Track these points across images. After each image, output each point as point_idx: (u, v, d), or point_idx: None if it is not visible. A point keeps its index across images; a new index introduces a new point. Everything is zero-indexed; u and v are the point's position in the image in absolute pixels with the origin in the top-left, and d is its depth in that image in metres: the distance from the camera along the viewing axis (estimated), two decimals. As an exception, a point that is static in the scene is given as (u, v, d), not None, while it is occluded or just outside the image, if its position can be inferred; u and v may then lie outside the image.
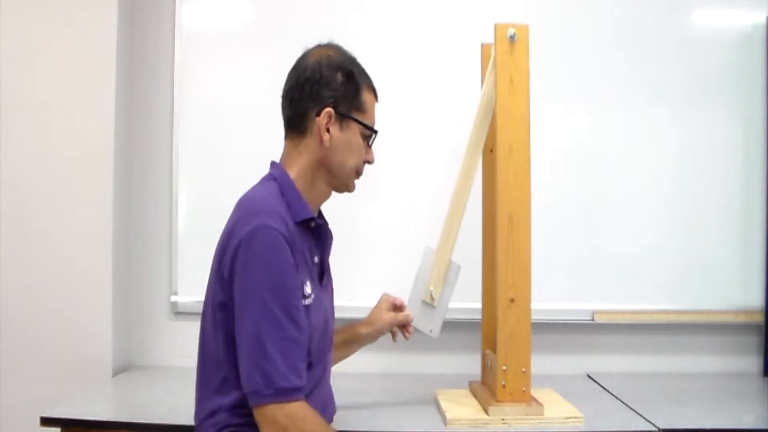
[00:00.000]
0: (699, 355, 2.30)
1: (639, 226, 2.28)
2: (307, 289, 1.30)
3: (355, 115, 1.38)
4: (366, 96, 1.41)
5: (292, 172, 1.36)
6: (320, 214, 1.47)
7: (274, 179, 1.35)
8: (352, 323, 1.73)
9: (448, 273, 1.81)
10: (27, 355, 2.14)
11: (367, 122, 1.41)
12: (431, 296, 1.80)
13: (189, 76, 2.25)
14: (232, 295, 1.23)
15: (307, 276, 1.33)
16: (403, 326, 1.75)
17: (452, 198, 1.82)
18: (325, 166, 1.38)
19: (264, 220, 1.23)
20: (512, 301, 1.71)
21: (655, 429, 1.69)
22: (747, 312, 2.27)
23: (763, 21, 2.28)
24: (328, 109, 1.34)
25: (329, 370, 1.46)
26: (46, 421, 1.71)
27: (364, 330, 1.71)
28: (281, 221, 1.25)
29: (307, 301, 1.29)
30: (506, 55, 1.72)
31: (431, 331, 1.83)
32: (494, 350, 1.76)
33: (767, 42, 2.28)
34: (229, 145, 2.23)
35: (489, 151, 1.92)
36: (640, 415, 1.79)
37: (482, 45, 1.94)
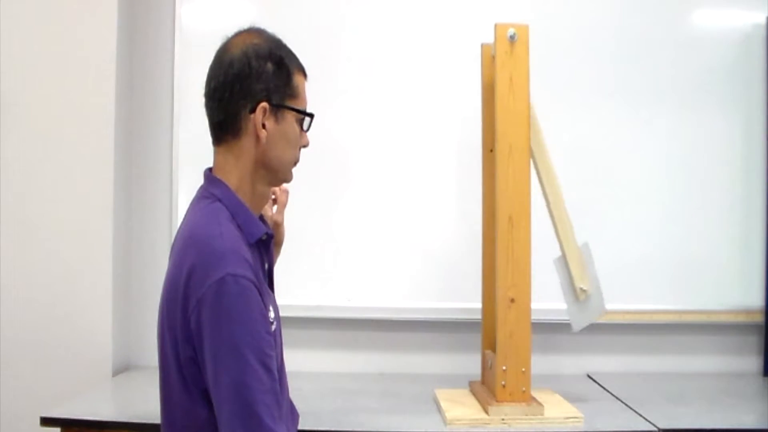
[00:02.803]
0: (699, 355, 2.30)
1: (639, 226, 2.27)
2: (271, 314, 1.22)
3: (289, 103, 1.27)
4: (297, 80, 1.29)
5: (233, 183, 1.25)
6: (262, 219, 1.36)
7: (219, 200, 1.24)
8: None
9: (583, 260, 1.86)
10: (27, 355, 2.14)
11: (301, 106, 1.31)
12: (583, 291, 1.85)
13: (189, 76, 2.25)
14: (201, 349, 1.14)
15: (268, 297, 1.25)
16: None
17: (552, 206, 1.84)
18: (263, 164, 1.26)
19: (230, 268, 1.13)
20: (512, 301, 1.71)
21: (655, 429, 1.69)
22: (747, 312, 2.27)
23: (763, 21, 2.28)
24: (263, 104, 1.23)
25: (286, 377, 1.37)
26: (46, 421, 1.72)
27: None
28: (245, 264, 1.16)
29: (274, 326, 1.22)
30: (506, 55, 1.73)
31: (601, 313, 1.91)
32: (494, 350, 1.76)
33: (767, 42, 2.28)
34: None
35: (489, 151, 1.92)
36: (640, 415, 1.79)
37: (482, 45, 1.94)
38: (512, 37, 1.72)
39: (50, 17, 2.16)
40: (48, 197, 2.16)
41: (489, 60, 1.89)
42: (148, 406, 1.80)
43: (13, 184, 2.16)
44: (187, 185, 2.26)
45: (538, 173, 1.81)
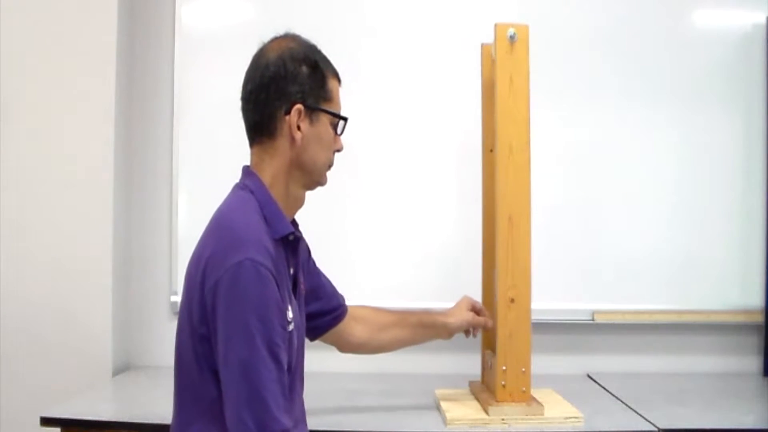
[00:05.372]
0: (699, 355, 2.30)
1: (639, 226, 2.27)
2: (290, 314, 1.24)
3: (324, 106, 1.32)
4: (331, 84, 1.33)
5: (266, 179, 1.30)
6: (295, 223, 1.39)
7: (252, 192, 1.28)
8: (428, 311, 1.78)
9: None
10: (27, 355, 2.14)
11: (335, 110, 1.34)
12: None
13: (189, 76, 2.25)
14: (215, 329, 1.17)
15: (287, 297, 1.27)
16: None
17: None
18: (298, 165, 1.31)
19: (250, 254, 1.16)
20: (512, 301, 1.71)
21: (655, 429, 1.69)
22: (747, 312, 2.26)
23: (763, 21, 2.28)
24: (298, 106, 1.28)
25: (302, 386, 1.40)
26: (46, 421, 1.71)
27: (442, 319, 1.76)
28: (266, 253, 1.18)
29: (291, 327, 1.24)
30: (506, 55, 1.72)
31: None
32: (494, 350, 1.76)
33: (767, 42, 2.28)
34: (229, 145, 2.20)
35: (489, 151, 1.92)
36: (640, 415, 1.79)
37: (482, 45, 1.94)
38: (512, 37, 1.72)
39: (50, 17, 2.16)
40: (48, 197, 2.16)
41: (489, 60, 1.89)
42: (148, 406, 1.81)
43: (13, 183, 2.16)
44: (187, 185, 2.26)
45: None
